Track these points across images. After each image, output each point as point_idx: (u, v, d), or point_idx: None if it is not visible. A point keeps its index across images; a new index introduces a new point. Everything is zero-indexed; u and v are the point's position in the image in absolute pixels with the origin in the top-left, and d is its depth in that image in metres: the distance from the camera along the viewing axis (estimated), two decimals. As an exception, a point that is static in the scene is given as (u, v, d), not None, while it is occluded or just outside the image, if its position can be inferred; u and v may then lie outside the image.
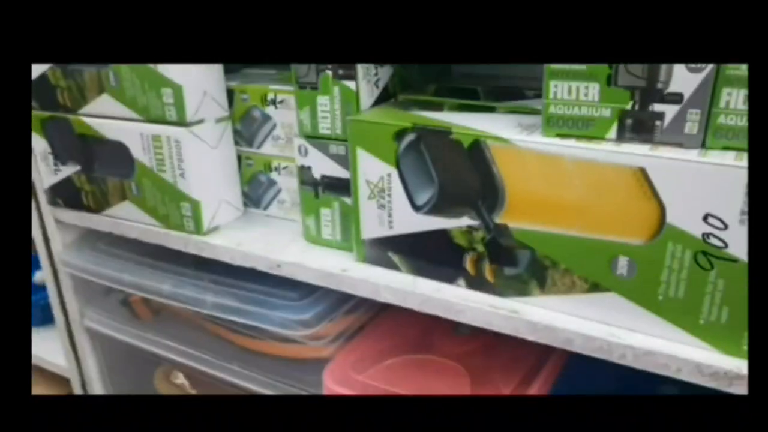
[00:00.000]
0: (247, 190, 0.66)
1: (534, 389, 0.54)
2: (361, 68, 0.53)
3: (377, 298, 0.54)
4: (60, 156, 0.68)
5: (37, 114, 0.67)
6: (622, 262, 0.44)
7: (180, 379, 0.77)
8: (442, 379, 0.58)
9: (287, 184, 0.64)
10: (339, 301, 0.63)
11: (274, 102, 0.61)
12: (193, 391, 0.76)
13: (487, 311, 0.49)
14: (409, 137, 0.49)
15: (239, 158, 0.65)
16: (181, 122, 0.59)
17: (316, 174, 0.57)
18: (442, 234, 0.50)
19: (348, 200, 0.56)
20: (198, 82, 0.59)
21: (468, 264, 0.51)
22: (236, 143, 0.65)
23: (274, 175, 0.64)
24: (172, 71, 0.57)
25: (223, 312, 0.62)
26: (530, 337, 0.48)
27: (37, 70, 0.65)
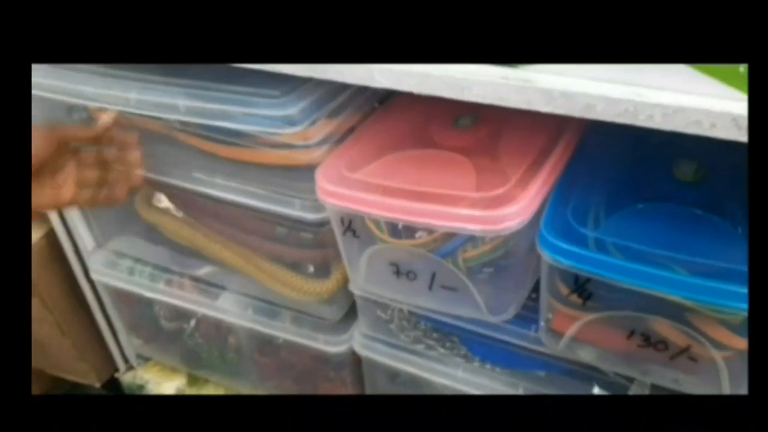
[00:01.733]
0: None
1: (544, 173, 0.50)
2: None
3: (370, 83, 0.48)
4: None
5: None
6: (656, 4, 0.38)
7: (163, 202, 0.73)
8: (444, 171, 0.54)
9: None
10: (326, 96, 0.57)
11: None
12: (179, 214, 0.72)
13: (498, 83, 0.44)
14: None
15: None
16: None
17: (289, -59, 0.48)
18: None
19: (328, -30, 0.48)
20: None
21: (472, 31, 0.44)
22: None
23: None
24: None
25: (199, 116, 0.56)
26: (545, 108, 0.43)
27: None
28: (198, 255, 0.74)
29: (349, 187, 0.53)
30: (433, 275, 0.55)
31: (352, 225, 0.56)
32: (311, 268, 0.69)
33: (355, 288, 0.63)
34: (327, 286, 0.68)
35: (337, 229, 0.57)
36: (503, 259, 0.55)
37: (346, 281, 0.65)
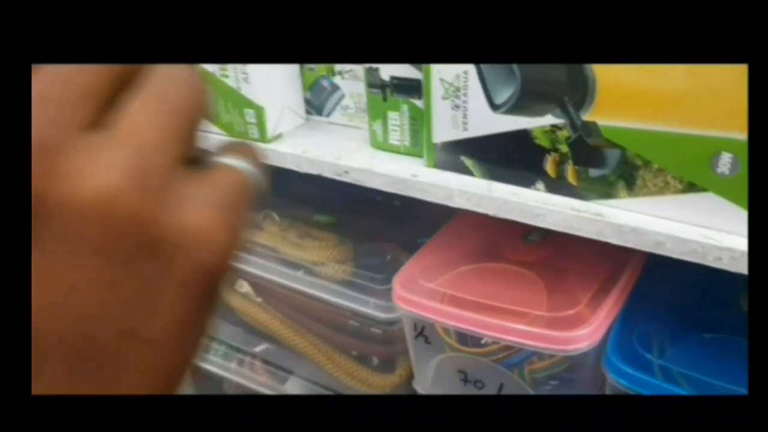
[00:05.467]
0: (309, 96, 0.64)
1: (614, 296, 0.53)
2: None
3: (450, 203, 0.53)
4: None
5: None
6: (725, 159, 0.41)
7: (244, 287, 0.78)
8: (516, 287, 0.57)
9: (351, 89, 0.61)
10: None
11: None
12: (259, 299, 0.77)
13: (569, 214, 0.47)
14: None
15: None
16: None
17: (385, 75, 0.54)
18: (522, 134, 0.48)
19: (418, 102, 0.54)
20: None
21: (549, 166, 0.48)
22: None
23: (337, 80, 0.61)
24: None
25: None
26: (615, 241, 0.46)
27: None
28: (270, 339, 0.78)
29: (424, 296, 0.56)
30: (501, 386, 0.57)
31: (424, 331, 0.59)
32: (376, 361, 0.72)
33: (421, 388, 0.66)
34: (391, 380, 0.71)
35: (408, 334, 0.61)
36: (567, 373, 0.56)
37: (409, 377, 0.68)
